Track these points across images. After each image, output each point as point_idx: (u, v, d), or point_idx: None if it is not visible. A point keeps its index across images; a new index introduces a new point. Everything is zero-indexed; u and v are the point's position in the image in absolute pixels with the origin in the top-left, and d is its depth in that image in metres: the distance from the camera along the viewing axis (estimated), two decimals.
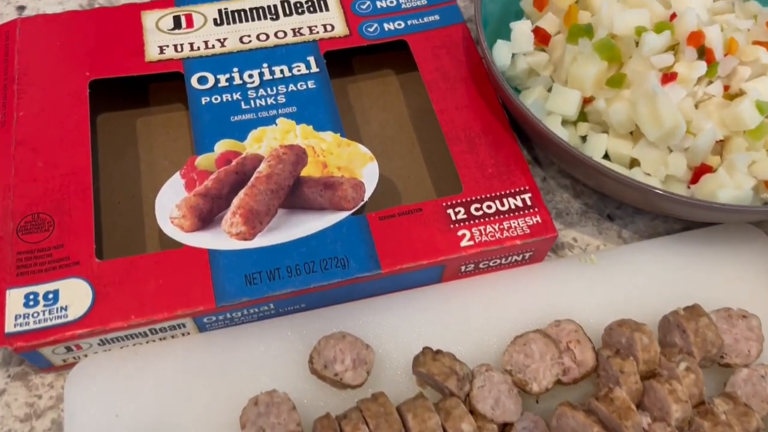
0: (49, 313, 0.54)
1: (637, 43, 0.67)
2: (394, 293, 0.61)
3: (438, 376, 0.53)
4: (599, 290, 0.62)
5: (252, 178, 0.61)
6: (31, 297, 0.55)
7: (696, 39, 0.65)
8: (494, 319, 0.60)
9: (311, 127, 0.65)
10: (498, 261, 0.61)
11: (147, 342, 0.57)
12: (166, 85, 0.71)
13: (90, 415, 0.54)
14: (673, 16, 0.67)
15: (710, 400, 0.53)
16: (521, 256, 0.62)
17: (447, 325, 0.59)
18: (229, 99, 0.67)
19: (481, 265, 0.61)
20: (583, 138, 0.69)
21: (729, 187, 0.62)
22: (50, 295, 0.55)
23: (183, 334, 0.58)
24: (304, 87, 0.68)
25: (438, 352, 0.54)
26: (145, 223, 0.62)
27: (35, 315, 0.54)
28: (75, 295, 0.55)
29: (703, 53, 0.66)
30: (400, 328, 0.59)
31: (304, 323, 0.59)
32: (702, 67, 0.64)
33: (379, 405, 0.52)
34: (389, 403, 0.52)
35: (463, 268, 0.61)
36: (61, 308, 0.54)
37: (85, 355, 0.57)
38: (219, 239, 0.58)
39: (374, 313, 0.60)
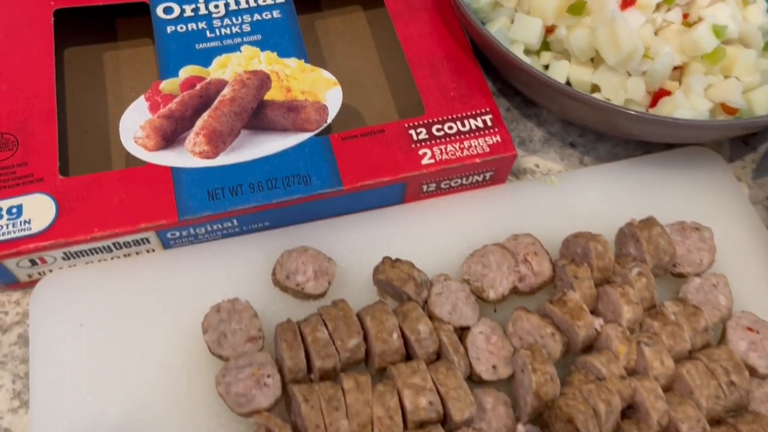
0: (13, 226, 0.55)
1: None
2: (356, 213, 0.62)
3: (396, 281, 0.54)
4: (558, 210, 0.63)
5: (216, 101, 0.62)
6: None
7: None
8: (455, 237, 0.61)
9: (275, 53, 0.66)
10: (459, 181, 0.62)
11: (112, 258, 0.58)
12: (134, 20, 0.71)
13: (54, 325, 0.54)
14: None
15: (661, 304, 0.55)
16: (482, 176, 0.63)
17: (408, 243, 0.60)
18: (195, 28, 0.67)
19: (442, 185, 0.62)
20: (546, 67, 0.70)
21: (686, 108, 0.64)
22: (14, 210, 0.55)
23: (148, 251, 0.59)
24: (270, 16, 0.68)
25: (397, 260, 0.55)
26: (111, 144, 0.63)
27: None
28: (38, 210, 0.55)
29: None
30: (362, 245, 0.60)
31: (268, 241, 0.60)
32: None
33: (339, 309, 0.53)
34: (348, 308, 0.53)
35: (425, 187, 0.62)
36: (25, 221, 0.55)
37: (50, 270, 0.57)
38: (182, 158, 0.59)
39: (337, 231, 0.61)
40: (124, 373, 0.53)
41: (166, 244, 0.59)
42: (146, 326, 0.55)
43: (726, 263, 0.61)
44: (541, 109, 0.72)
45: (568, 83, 0.69)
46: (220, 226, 0.58)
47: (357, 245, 0.60)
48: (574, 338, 0.52)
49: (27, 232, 0.54)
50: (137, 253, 0.59)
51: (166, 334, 0.54)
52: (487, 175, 0.63)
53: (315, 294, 0.56)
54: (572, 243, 0.58)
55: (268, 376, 0.50)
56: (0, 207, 0.55)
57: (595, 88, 0.68)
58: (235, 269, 0.58)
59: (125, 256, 0.58)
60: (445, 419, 0.50)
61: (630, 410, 0.51)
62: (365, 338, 0.52)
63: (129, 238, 0.56)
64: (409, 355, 0.53)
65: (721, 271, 0.60)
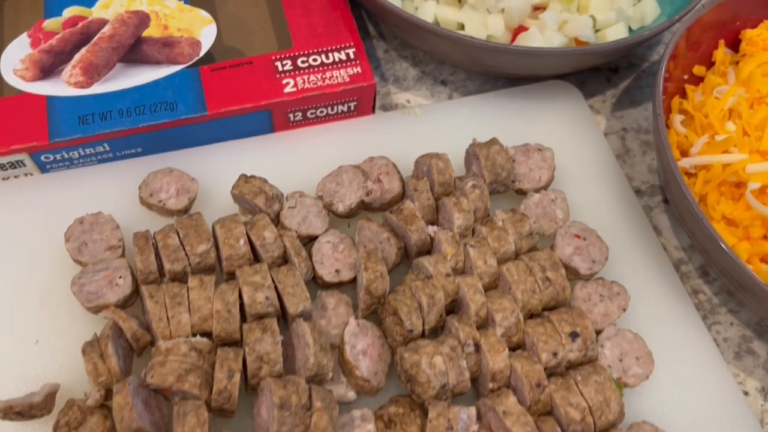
0: None
1: None
2: (227, 142, 0.66)
3: (248, 194, 0.58)
4: (419, 138, 0.67)
5: (95, 38, 0.66)
6: None
7: None
8: (317, 162, 0.65)
9: None
10: (325, 111, 0.67)
11: None
12: None
13: None
14: None
15: (493, 213, 0.59)
16: (346, 106, 0.67)
17: (273, 168, 0.64)
18: None
19: (309, 115, 0.66)
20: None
21: (539, 42, 0.68)
22: None
23: (26, 174, 0.63)
24: None
25: (252, 176, 0.60)
26: None
27: None
28: None
29: None
30: (229, 169, 0.64)
31: (139, 166, 0.63)
32: None
33: (192, 220, 0.57)
34: (202, 219, 0.57)
35: (291, 116, 0.66)
36: None
37: None
38: (58, 87, 0.63)
39: (206, 156, 0.65)
40: None
41: (43, 169, 0.63)
42: (15, 238, 0.59)
43: (568, 182, 0.65)
44: (417, 51, 0.77)
45: (436, 23, 0.73)
46: (92, 150, 0.62)
47: (223, 169, 0.64)
48: (408, 242, 0.57)
49: None
50: (16, 177, 0.63)
51: (33, 245, 0.59)
52: (351, 105, 0.67)
53: (176, 210, 0.60)
54: (420, 162, 0.62)
55: (120, 277, 0.54)
56: None
57: (462, 26, 0.72)
58: (106, 190, 0.62)
59: (4, 179, 0.62)
60: (286, 315, 0.54)
61: (457, 307, 0.56)
62: (217, 246, 0.57)
63: (4, 160, 0.60)
64: (258, 261, 0.57)
65: (563, 188, 0.64)
